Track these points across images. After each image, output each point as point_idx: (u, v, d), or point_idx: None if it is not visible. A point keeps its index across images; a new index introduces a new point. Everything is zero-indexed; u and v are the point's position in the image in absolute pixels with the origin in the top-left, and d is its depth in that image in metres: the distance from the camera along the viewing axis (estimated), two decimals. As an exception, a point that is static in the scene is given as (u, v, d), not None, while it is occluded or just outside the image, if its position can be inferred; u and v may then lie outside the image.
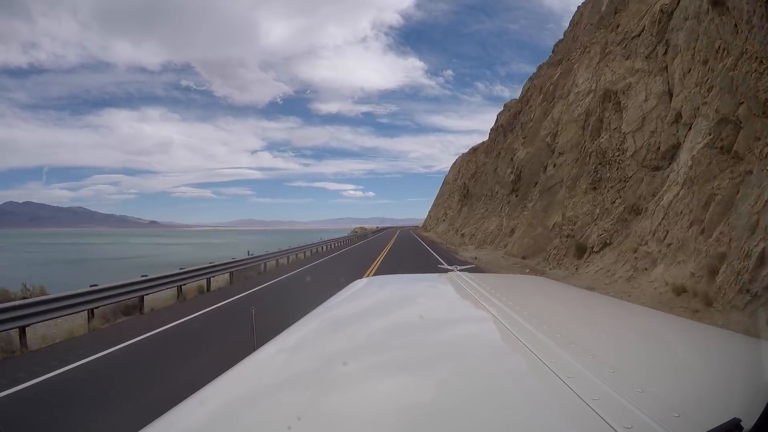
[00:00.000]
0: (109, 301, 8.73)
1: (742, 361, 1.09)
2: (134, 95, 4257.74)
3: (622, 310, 1.97)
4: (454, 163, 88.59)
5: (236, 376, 1.13)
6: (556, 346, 1.08)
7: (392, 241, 39.92)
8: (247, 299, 10.92)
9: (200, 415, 0.94)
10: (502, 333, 1.27)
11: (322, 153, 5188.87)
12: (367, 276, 3.84)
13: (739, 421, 0.68)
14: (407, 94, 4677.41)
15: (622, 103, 14.48)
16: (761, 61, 7.88)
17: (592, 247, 13.60)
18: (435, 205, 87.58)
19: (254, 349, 1.34)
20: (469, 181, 49.27)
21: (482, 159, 47.30)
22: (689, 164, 9.94)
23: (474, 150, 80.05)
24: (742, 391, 0.88)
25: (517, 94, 43.68)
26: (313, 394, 0.99)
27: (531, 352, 1.04)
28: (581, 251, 14.07)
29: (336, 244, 35.38)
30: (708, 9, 10.13)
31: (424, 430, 0.79)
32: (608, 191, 14.37)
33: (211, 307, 9.94)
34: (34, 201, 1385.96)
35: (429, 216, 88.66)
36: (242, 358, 1.24)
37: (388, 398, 0.94)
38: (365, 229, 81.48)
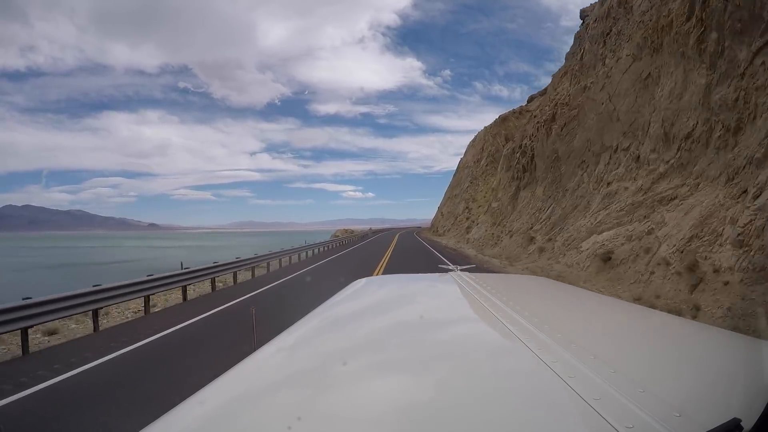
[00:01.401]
0: None
1: (743, 361, 1.09)
2: (132, 98, 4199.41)
3: (622, 309, 1.96)
4: (473, 141, 65.04)
5: (236, 376, 1.12)
6: (556, 345, 1.08)
7: (383, 264, 16.46)
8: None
9: (200, 416, 0.93)
10: (503, 333, 1.26)
11: (321, 154, 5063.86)
12: None
13: (740, 421, 0.68)
14: (405, 95, 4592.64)
15: None
16: None
17: None
18: (448, 198, 63.93)
19: (254, 349, 1.32)
20: (539, 140, 25.23)
21: (566, 91, 23.41)
22: None
23: (503, 120, 57.07)
24: (743, 391, 0.88)
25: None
26: (313, 394, 0.98)
27: (532, 352, 1.04)
28: None
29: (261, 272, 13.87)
30: None
31: (426, 431, 0.79)
32: None
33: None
34: (34, 204, 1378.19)
35: (440, 214, 65.01)
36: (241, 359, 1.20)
37: (389, 398, 0.93)
38: (353, 232, 57.76)
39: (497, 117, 58.99)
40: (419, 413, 0.85)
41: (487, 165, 53.25)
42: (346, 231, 59.70)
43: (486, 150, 55.76)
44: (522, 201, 25.08)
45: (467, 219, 43.58)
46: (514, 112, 59.77)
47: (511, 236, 21.86)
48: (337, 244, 35.33)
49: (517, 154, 27.66)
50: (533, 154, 25.83)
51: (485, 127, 61.53)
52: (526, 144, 26.92)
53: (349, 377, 1.05)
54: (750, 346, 1.20)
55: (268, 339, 1.38)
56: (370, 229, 74.20)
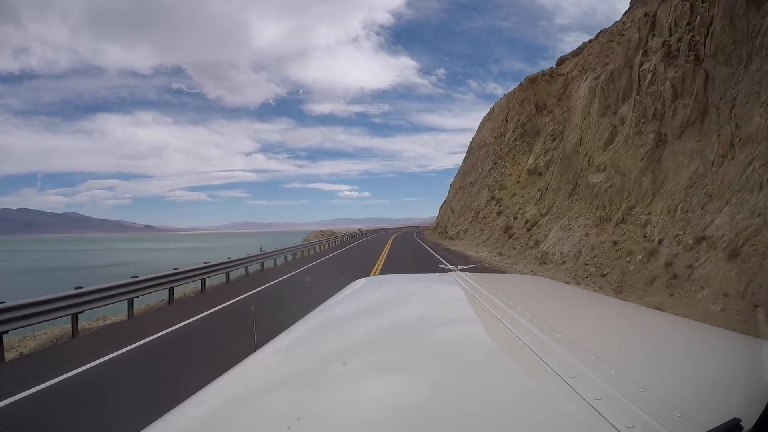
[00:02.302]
0: None
1: (743, 361, 1.08)
2: (126, 99, 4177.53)
3: (623, 310, 1.92)
4: (490, 114, 50.05)
5: (236, 377, 1.11)
6: (557, 345, 1.07)
7: None
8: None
9: (200, 416, 0.92)
10: (503, 333, 1.24)
11: (316, 154, 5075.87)
12: None
13: (740, 421, 0.68)
14: (400, 94, 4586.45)
15: None
16: None
17: None
18: (459, 188, 48.68)
19: (254, 350, 1.31)
20: (739, 12, 9.83)
21: None
22: None
23: (532, 82, 42.57)
24: (743, 391, 0.88)
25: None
26: (313, 394, 0.97)
27: (532, 352, 1.03)
28: None
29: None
30: None
31: (428, 431, 0.79)
32: None
33: None
34: (29, 207, 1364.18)
35: (449, 210, 49.75)
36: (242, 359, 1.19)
37: (390, 399, 0.92)
38: (332, 234, 42.47)
39: (524, 80, 44.18)
40: (421, 414, 0.84)
41: (515, 139, 38.27)
42: (324, 233, 44.39)
43: (512, 120, 40.76)
44: (687, 162, 9.82)
45: (499, 214, 28.42)
46: (543, 74, 45.02)
47: (722, 256, 6.50)
48: (299, 255, 21.83)
49: (643, 70, 12.25)
50: (701, 56, 10.61)
51: (507, 94, 46.52)
52: (682, 40, 11.55)
53: (350, 378, 1.03)
54: (750, 346, 1.19)
55: (268, 339, 1.36)
56: (359, 229, 58.93)
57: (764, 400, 0.69)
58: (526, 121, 39.41)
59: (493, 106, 50.07)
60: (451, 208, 46.71)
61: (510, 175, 34.78)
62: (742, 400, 0.80)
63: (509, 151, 37.67)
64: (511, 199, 29.54)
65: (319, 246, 29.04)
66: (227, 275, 13.30)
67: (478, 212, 32.41)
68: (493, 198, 32.06)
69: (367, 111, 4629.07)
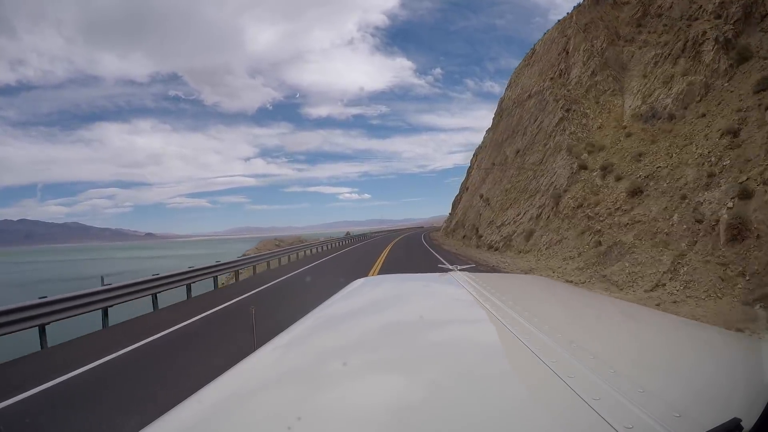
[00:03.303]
0: None
1: (743, 361, 1.08)
2: (124, 108, 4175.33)
3: (622, 310, 1.92)
4: (531, 55, 33.98)
5: (236, 376, 1.11)
6: (556, 345, 1.07)
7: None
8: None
9: (200, 416, 0.93)
10: (503, 333, 1.24)
11: (315, 157, 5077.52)
12: None
13: (740, 421, 0.68)
14: (397, 95, 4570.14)
15: None
16: None
17: None
18: (487, 168, 32.57)
19: (254, 349, 1.31)
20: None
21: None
22: None
23: (596, 1, 26.06)
24: (743, 391, 0.88)
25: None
26: (313, 394, 0.97)
27: (531, 352, 1.03)
28: None
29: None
30: None
31: (429, 431, 0.79)
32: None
33: None
34: (29, 218, 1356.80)
35: (479, 201, 33.59)
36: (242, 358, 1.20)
37: (390, 399, 0.92)
38: (302, 242, 26.49)
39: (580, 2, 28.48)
40: (420, 413, 0.84)
41: (592, 74, 22.30)
42: (279, 243, 28.42)
43: (579, 50, 24.77)
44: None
45: (634, 195, 12.27)
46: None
47: None
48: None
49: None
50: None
51: (560, 21, 30.47)
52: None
53: (350, 378, 1.03)
54: (750, 346, 1.18)
55: (268, 339, 1.35)
56: (348, 233, 42.95)
57: (764, 400, 0.68)
58: (606, 46, 23.54)
59: (534, 47, 34.06)
60: (481, 196, 30.51)
61: (601, 127, 18.87)
62: (742, 400, 0.79)
63: (587, 92, 21.76)
64: (634, 165, 13.60)
65: (242, 270, 13.31)
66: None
67: (559, 198, 16.30)
68: (584, 167, 16.04)
69: (365, 113, 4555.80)
